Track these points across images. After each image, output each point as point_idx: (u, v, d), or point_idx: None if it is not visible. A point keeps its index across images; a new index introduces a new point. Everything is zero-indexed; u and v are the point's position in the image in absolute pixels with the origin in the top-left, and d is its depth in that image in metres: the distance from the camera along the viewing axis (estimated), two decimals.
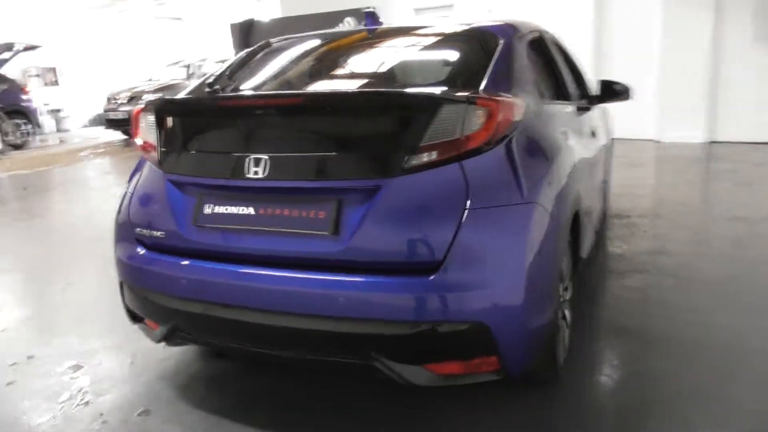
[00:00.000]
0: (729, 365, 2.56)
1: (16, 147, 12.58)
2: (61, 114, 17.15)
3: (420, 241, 1.92)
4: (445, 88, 2.06)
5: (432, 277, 1.90)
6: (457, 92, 2.06)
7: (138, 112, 2.40)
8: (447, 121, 1.95)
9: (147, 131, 2.35)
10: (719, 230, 4.60)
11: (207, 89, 2.48)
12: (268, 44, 2.96)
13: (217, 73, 2.65)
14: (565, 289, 2.56)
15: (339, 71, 2.63)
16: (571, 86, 3.33)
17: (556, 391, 2.42)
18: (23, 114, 13.05)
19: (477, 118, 1.96)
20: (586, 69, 8.61)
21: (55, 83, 17.98)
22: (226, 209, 2.12)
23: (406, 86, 2.29)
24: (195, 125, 2.26)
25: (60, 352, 2.96)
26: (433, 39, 2.66)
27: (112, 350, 2.93)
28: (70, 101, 17.38)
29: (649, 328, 2.94)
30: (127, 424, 2.34)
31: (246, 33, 11.96)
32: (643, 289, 3.44)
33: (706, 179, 6.77)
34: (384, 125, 2.02)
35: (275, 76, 2.66)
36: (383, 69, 2.51)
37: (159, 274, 2.23)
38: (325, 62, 2.77)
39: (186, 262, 2.17)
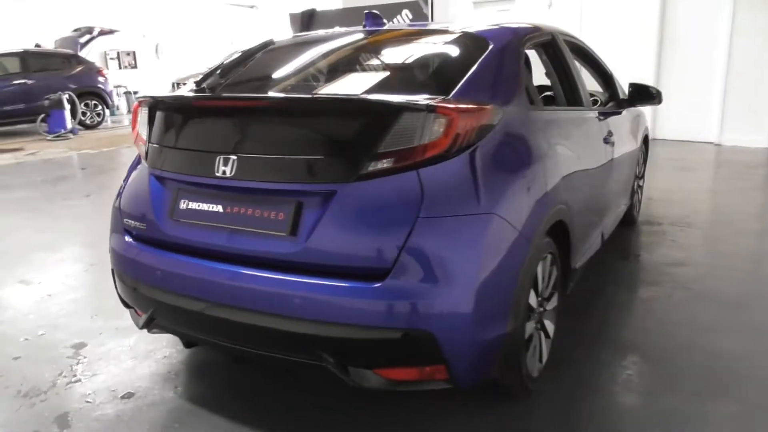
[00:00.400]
0: (713, 390, 2.46)
1: (89, 127, 13.33)
2: (136, 96, 17.99)
3: (370, 247, 1.93)
4: (412, 95, 2.06)
5: (380, 284, 1.91)
6: (424, 99, 2.05)
7: (137, 107, 2.53)
8: (406, 128, 1.95)
9: (140, 125, 2.47)
10: (753, 245, 4.36)
11: (195, 87, 2.57)
12: (270, 43, 3.04)
13: (209, 71, 2.74)
14: (545, 299, 2.52)
15: (318, 74, 2.66)
16: (584, 91, 3.23)
17: (530, 403, 2.40)
18: (98, 95, 13.78)
19: (436, 126, 1.95)
20: (649, 68, 8.45)
21: (134, 66, 18.86)
22: (198, 205, 2.21)
23: (381, 91, 2.29)
24: (175, 123, 2.36)
25: (69, 331, 3.16)
26: (422, 44, 2.64)
27: (115, 333, 3.10)
28: (147, 84, 18.21)
29: (644, 344, 2.85)
30: (110, 404, 2.49)
31: (307, 22, 12.15)
32: (650, 302, 3.32)
33: (761, 188, 6.38)
34: (343, 131, 2.04)
35: (258, 78, 2.73)
36: (361, 73, 2.53)
37: (140, 264, 2.35)
38: (309, 65, 2.81)
39: (162, 254, 2.28)
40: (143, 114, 2.46)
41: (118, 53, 18.34)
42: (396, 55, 2.59)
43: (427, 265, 1.91)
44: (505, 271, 2.04)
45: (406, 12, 10.53)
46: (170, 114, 2.38)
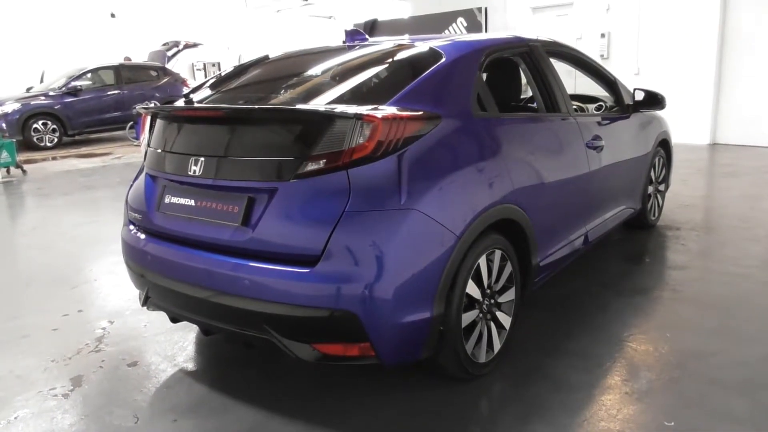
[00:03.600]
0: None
1: None
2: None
3: (305, 237, 2.24)
4: (358, 104, 2.33)
5: (311, 269, 2.22)
6: (364, 108, 2.32)
7: (144, 116, 2.96)
8: (336, 134, 2.24)
9: (145, 132, 2.91)
10: (760, 252, 4.25)
11: (184, 98, 2.98)
12: (265, 59, 3.40)
13: (200, 83, 3.13)
14: (496, 292, 2.71)
15: (284, 87, 2.97)
16: (563, 98, 3.37)
17: (466, 387, 2.61)
18: None
19: (363, 132, 2.23)
20: (709, 71, 8.28)
21: None
22: (178, 200, 2.60)
23: (334, 101, 2.56)
24: (163, 130, 2.77)
25: (101, 310, 3.66)
26: (384, 57, 2.90)
27: (136, 313, 3.56)
28: None
29: (599, 351, 2.96)
30: (116, 370, 2.93)
31: (369, 31, 12.61)
32: (630, 302, 3.40)
33: None
34: (284, 136, 2.36)
35: (235, 89, 3.07)
36: (320, 85, 2.83)
37: (137, 250, 2.77)
38: (280, 78, 3.13)
39: (152, 241, 2.69)
40: (145, 122, 2.89)
41: (204, 64, 19.63)
42: (356, 68, 2.87)
43: (351, 253, 2.19)
44: (427, 261, 2.28)
45: (461, 20, 10.71)
46: (160, 122, 2.79)
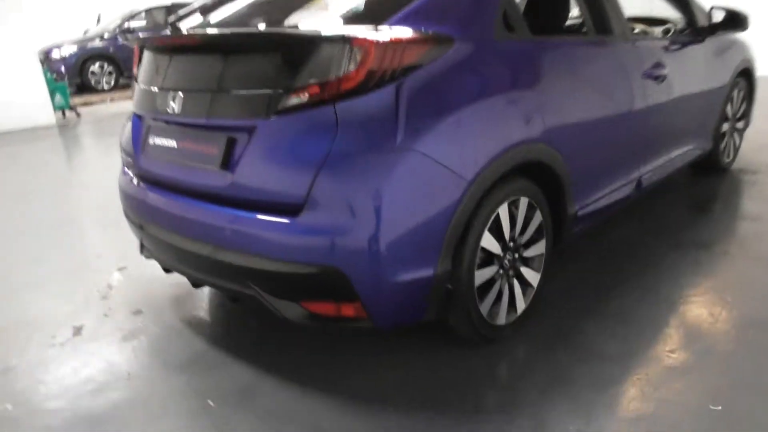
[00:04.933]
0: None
1: None
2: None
3: (287, 183, 1.95)
4: (356, 25, 1.98)
5: (294, 219, 1.93)
6: (351, 28, 1.96)
7: (135, 48, 2.69)
8: (321, 61, 1.90)
9: (136, 68, 2.65)
10: None
11: (169, 24, 2.67)
12: None
13: (190, 8, 2.79)
14: (521, 246, 2.36)
15: (273, 11, 2.60)
16: (617, 19, 2.86)
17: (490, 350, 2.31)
18: None
19: (353, 57, 1.88)
20: None
21: None
22: (160, 141, 2.35)
23: (330, 23, 2.22)
24: (146, 63, 2.50)
25: (122, 256, 3.52)
26: None
27: (143, 264, 3.38)
28: None
29: (643, 315, 2.57)
30: (121, 316, 2.81)
31: None
32: (686, 258, 2.95)
33: None
34: (263, 66, 2.03)
35: (225, 14, 2.73)
36: (309, 4, 2.45)
37: (129, 195, 2.56)
38: (270, 3, 2.76)
39: (140, 186, 2.47)
40: (135, 56, 2.64)
41: None
42: None
43: (337, 201, 1.89)
44: (428, 211, 1.95)
45: None
46: (145, 54, 2.52)
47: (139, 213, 2.50)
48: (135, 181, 2.52)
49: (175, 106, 2.21)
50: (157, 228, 2.38)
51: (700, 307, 2.51)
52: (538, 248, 2.45)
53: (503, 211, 2.21)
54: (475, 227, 2.10)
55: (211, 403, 2.16)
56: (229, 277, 2.16)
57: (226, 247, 2.09)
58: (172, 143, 2.29)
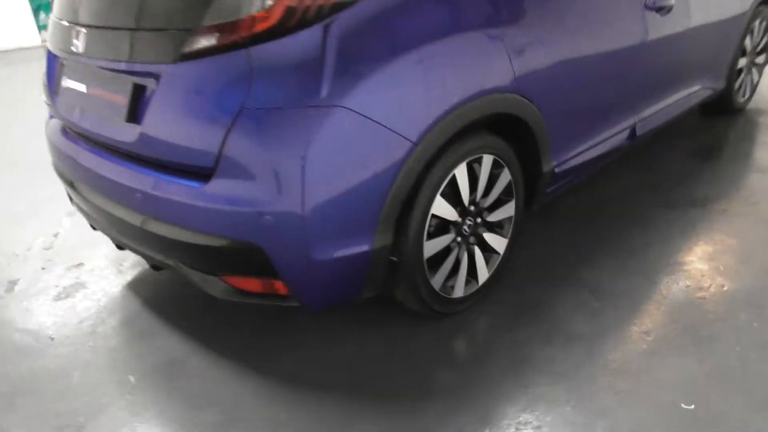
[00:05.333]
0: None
1: None
2: None
3: (195, 141, 1.65)
4: None
5: (204, 185, 1.66)
6: None
7: None
8: None
9: None
10: None
11: None
12: None
13: None
14: (484, 209, 2.08)
15: None
16: None
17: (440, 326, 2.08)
18: None
19: None
20: None
21: None
22: (72, 84, 2.05)
23: None
24: None
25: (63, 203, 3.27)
26: None
27: None
28: None
29: (621, 287, 2.30)
30: (60, 269, 2.62)
31: None
32: (682, 217, 2.65)
33: None
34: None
35: None
36: None
37: (53, 143, 2.27)
38: None
39: (59, 132, 2.19)
40: None
41: None
42: None
43: (251, 166, 1.60)
44: (361, 178, 1.65)
45: None
46: None
47: (60, 161, 2.23)
48: (55, 126, 2.23)
49: (79, 44, 1.90)
50: (77, 181, 2.12)
51: (687, 279, 2.23)
52: (506, 211, 2.17)
53: (461, 172, 1.92)
54: (423, 193, 1.81)
55: (131, 378, 1.97)
56: (147, 244, 1.91)
57: (140, 212, 1.83)
58: (82, 87, 1.99)
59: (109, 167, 1.91)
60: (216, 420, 1.77)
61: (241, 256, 1.69)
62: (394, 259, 1.85)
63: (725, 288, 2.16)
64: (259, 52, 1.57)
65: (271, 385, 1.90)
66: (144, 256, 2.01)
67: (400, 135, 1.67)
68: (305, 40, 1.57)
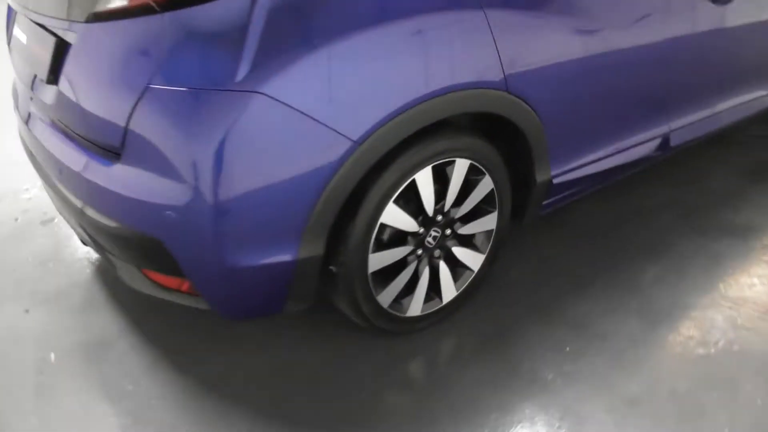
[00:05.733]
0: None
1: None
2: None
3: (102, 114, 1.45)
4: None
5: (113, 165, 1.46)
6: None
7: None
8: None
9: None
10: None
11: None
12: None
13: None
14: (456, 220, 1.80)
15: None
16: None
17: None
18: None
19: None
20: None
21: None
22: (18, 34, 1.86)
23: None
24: None
25: None
26: None
27: None
28: None
29: (605, 330, 1.97)
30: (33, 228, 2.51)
31: None
32: (705, 259, 2.25)
33: None
34: None
35: None
36: None
37: (13, 89, 2.14)
38: None
39: (17, 85, 2.04)
40: None
41: None
42: None
43: (155, 152, 1.38)
44: (284, 179, 1.40)
45: None
46: None
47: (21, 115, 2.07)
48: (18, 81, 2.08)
49: None
50: (26, 144, 1.96)
51: (693, 329, 1.88)
52: (485, 223, 1.87)
53: (423, 177, 1.63)
54: (369, 199, 1.55)
55: (52, 356, 1.84)
56: (73, 219, 1.73)
57: (61, 183, 1.66)
58: (23, 39, 1.81)
59: (39, 129, 1.74)
60: (119, 421, 1.62)
61: (146, 249, 1.49)
62: (333, 269, 1.61)
63: (735, 348, 1.80)
64: (176, 19, 1.33)
65: (189, 387, 1.73)
66: (76, 231, 1.85)
67: (337, 132, 1.41)
68: (229, 9, 1.32)
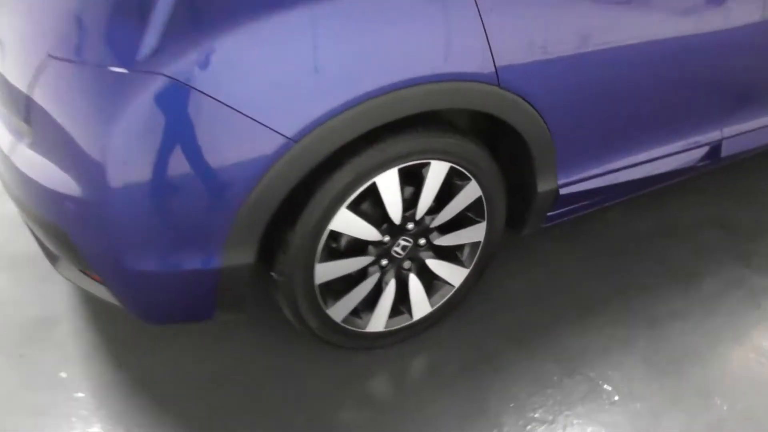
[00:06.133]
0: None
1: None
2: None
3: (12, 81, 1.28)
4: None
5: (22, 141, 1.30)
6: None
7: None
8: None
9: None
10: None
11: None
12: None
13: None
14: (432, 229, 1.55)
15: None
16: None
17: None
18: None
19: None
20: None
21: None
22: None
23: None
24: None
25: None
26: None
27: None
28: None
29: (587, 373, 1.67)
30: None
31: None
32: (731, 298, 1.90)
33: None
34: None
35: None
36: None
37: None
38: None
39: None
40: None
41: None
42: None
43: (53, 133, 1.20)
44: (200, 177, 1.18)
45: None
46: None
47: None
48: None
49: None
50: None
51: (706, 388, 1.57)
52: (471, 234, 1.61)
53: (387, 180, 1.38)
54: (316, 204, 1.32)
55: None
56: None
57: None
58: None
59: None
60: (38, 411, 1.50)
61: (57, 240, 1.33)
62: (275, 276, 1.41)
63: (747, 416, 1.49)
64: None
65: (120, 383, 1.58)
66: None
67: (266, 126, 1.17)
68: None
